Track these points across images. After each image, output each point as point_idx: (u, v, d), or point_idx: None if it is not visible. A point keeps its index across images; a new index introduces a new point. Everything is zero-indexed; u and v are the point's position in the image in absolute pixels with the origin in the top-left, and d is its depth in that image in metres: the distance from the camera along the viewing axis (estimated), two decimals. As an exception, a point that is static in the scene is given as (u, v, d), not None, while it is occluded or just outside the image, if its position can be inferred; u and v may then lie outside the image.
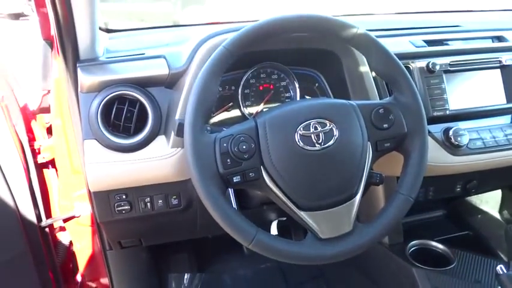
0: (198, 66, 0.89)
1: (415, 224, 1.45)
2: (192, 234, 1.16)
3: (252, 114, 1.06)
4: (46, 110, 1.27)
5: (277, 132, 0.77)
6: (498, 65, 1.10)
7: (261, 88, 1.07)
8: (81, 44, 0.89)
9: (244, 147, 0.75)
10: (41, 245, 1.25)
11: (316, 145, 0.76)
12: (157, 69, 0.91)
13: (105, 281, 1.30)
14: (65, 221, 1.29)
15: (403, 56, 1.01)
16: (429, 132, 0.99)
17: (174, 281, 1.53)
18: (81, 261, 1.35)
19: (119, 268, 1.30)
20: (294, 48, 1.01)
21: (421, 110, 0.84)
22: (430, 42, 1.09)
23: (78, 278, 1.42)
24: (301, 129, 0.76)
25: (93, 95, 0.88)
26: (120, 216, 0.95)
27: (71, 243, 1.38)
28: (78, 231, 1.28)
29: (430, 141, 0.99)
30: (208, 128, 0.99)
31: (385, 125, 0.82)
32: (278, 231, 1.03)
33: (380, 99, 1.00)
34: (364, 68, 0.99)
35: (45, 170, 1.33)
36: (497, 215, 1.65)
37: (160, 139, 0.90)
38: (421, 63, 1.04)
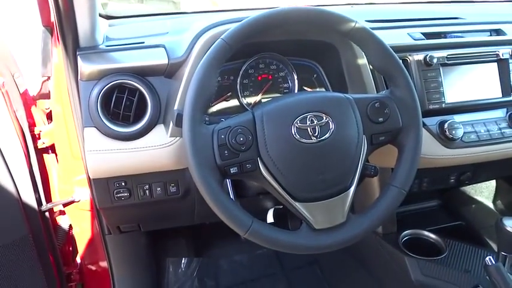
0: (197, 57, 0.89)
1: (409, 214, 1.47)
2: (190, 221, 1.17)
3: (250, 104, 1.07)
4: (46, 96, 1.27)
5: (274, 124, 0.78)
6: (495, 58, 1.10)
7: (259, 78, 1.08)
8: (81, 32, 0.89)
9: (241, 139, 0.77)
10: (41, 228, 1.27)
11: (312, 138, 0.78)
12: (157, 58, 0.91)
13: (104, 264, 1.32)
14: (65, 205, 1.31)
15: (401, 49, 1.02)
16: (424, 124, 1.01)
17: (172, 265, 1.56)
18: (81, 244, 1.37)
19: (118, 252, 1.32)
20: (293, 40, 1.01)
21: (417, 105, 0.85)
22: (428, 35, 1.09)
23: (78, 260, 1.44)
24: (298, 122, 0.78)
25: (93, 83, 0.89)
26: (119, 202, 0.96)
27: (70, 227, 1.40)
28: (78, 215, 1.30)
29: (425, 133, 1.01)
30: (207, 118, 1.00)
31: (381, 119, 0.83)
32: (274, 218, 1.05)
33: (377, 91, 1.01)
34: (362, 61, 0.99)
35: (45, 155, 1.34)
36: (491, 205, 1.67)
37: (159, 128, 0.91)
38: (419, 56, 1.04)
